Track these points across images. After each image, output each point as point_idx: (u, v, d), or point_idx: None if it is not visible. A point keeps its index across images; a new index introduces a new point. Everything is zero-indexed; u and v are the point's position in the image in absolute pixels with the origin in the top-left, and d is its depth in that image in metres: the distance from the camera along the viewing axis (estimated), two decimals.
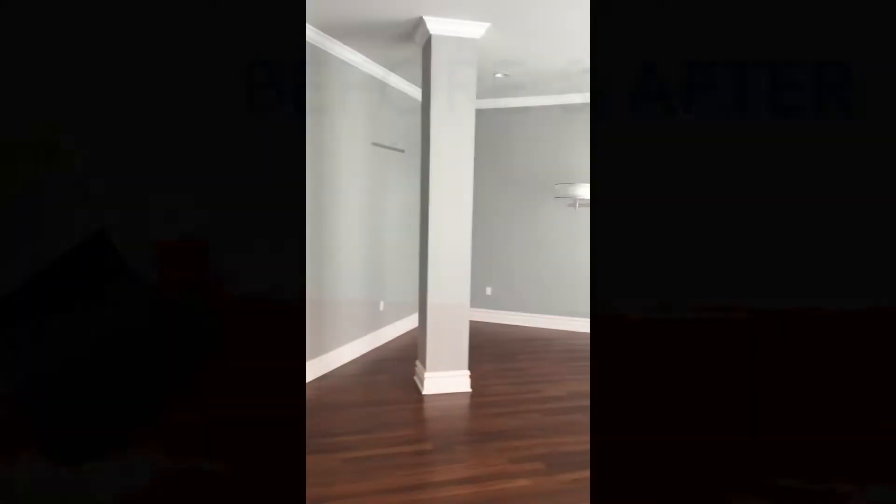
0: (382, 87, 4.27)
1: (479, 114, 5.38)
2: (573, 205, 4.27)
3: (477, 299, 5.49)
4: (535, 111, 5.15)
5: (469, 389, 3.39)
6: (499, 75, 4.35)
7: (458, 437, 2.69)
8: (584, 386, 3.53)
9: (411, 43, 3.49)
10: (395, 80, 4.43)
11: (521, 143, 5.24)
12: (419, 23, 3.09)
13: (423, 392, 3.31)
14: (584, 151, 4.99)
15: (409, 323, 5.05)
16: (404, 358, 4.09)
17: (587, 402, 3.22)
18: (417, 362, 3.55)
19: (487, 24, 3.09)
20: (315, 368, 3.57)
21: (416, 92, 4.84)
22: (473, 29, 3.11)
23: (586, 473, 2.34)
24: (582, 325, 5.09)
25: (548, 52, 3.65)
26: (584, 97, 4.91)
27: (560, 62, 3.90)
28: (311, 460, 2.40)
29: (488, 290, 5.47)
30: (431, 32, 3.08)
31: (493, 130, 5.35)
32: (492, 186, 5.38)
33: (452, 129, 3.20)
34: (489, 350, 4.37)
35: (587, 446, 2.61)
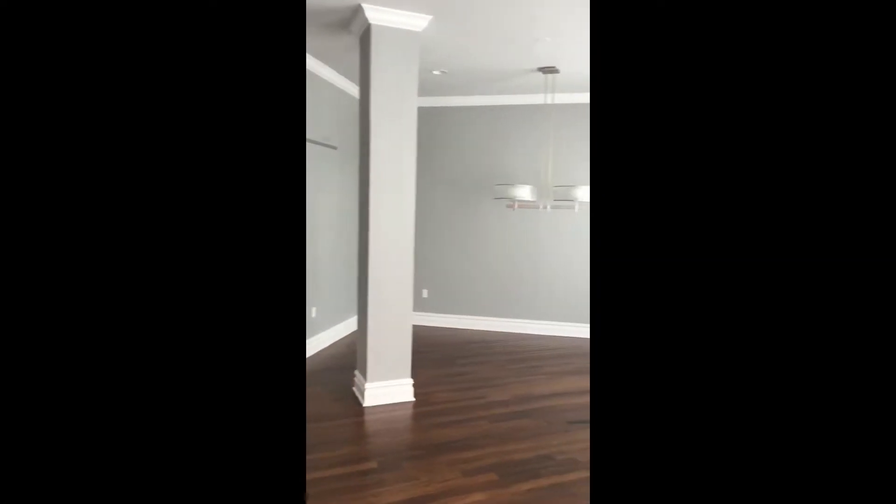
0: (313, 79, 4.01)
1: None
2: (512, 206, 4.24)
3: (413, 302, 5.34)
4: (474, 111, 5.09)
5: (412, 399, 3.24)
6: (436, 72, 4.24)
7: (405, 451, 2.54)
8: (528, 389, 3.50)
9: (347, 33, 3.28)
10: (327, 73, 4.18)
11: (458, 143, 5.16)
12: (357, 10, 2.90)
13: (364, 404, 3.11)
14: (523, 152, 5.00)
15: (345, 329, 4.81)
16: (341, 367, 3.86)
17: (532, 406, 3.18)
18: (357, 372, 3.35)
19: (430, 17, 2.95)
20: None
21: (348, 85, 4.61)
22: (415, 21, 2.96)
23: (541, 482, 2.28)
24: (521, 325, 5.10)
25: (490, 51, 3.58)
26: (524, 98, 4.92)
27: (501, 62, 3.85)
28: None
29: (424, 293, 5.34)
30: (370, 22, 2.90)
31: (428, 129, 5.23)
32: (426, 187, 5.26)
33: (393, 127, 3.03)
34: (429, 355, 4.24)
35: (537, 453, 2.56)
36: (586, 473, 2.36)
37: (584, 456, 2.53)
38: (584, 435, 2.78)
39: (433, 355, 4.24)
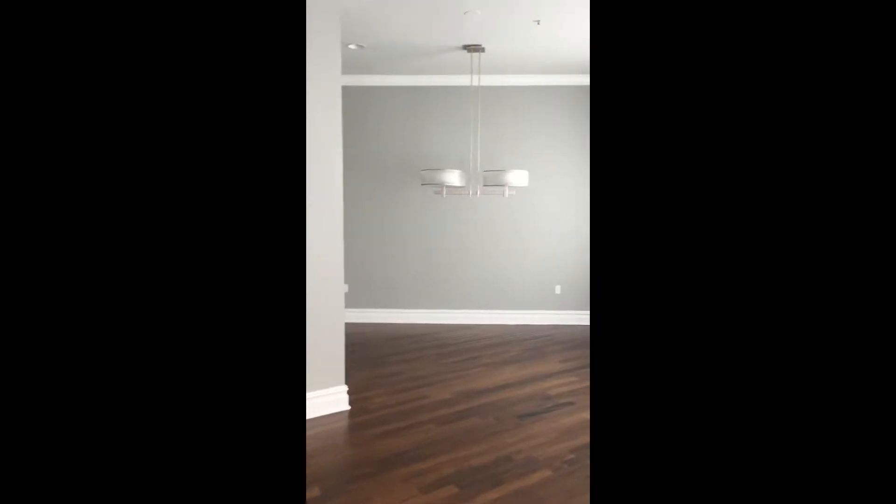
0: None
1: None
2: (440, 192, 4.03)
3: None
4: (394, 91, 4.78)
5: (348, 407, 2.93)
6: (353, 46, 3.88)
7: (350, 471, 2.25)
8: (469, 384, 3.33)
9: None
10: None
11: (377, 125, 4.83)
12: None
13: None
14: (448, 137, 4.79)
15: None
16: None
17: (477, 403, 3.03)
18: None
19: None
20: None
21: None
22: None
23: (505, 489, 2.12)
24: (449, 316, 4.94)
25: (415, 23, 3.30)
26: (448, 79, 4.69)
27: (425, 36, 3.59)
28: None
29: (345, 287, 4.98)
30: None
31: (344, 110, 4.83)
32: (344, 172, 4.88)
33: (317, 108, 2.67)
34: (357, 355, 3.93)
35: (494, 455, 2.40)
36: (549, 473, 2.24)
37: (542, 453, 2.42)
38: (537, 429, 2.67)
39: (362, 355, 3.94)
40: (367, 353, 4.00)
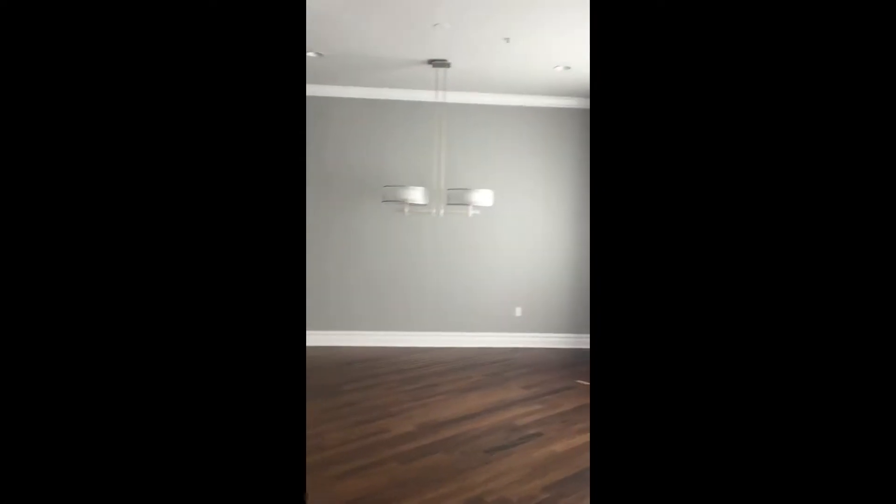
0: None
1: None
2: (402, 210, 3.87)
3: None
4: (355, 104, 4.58)
5: None
6: (311, 54, 3.67)
7: None
8: (431, 414, 3.14)
9: None
10: None
11: (338, 138, 4.61)
12: None
13: None
14: (409, 153, 4.63)
15: None
16: None
17: (441, 436, 2.84)
18: None
19: None
20: None
21: None
22: None
23: None
24: (408, 338, 4.73)
25: (381, 33, 3.15)
26: (412, 94, 4.55)
27: (391, 48, 3.44)
28: None
29: None
30: None
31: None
32: None
33: None
34: (309, 382, 3.65)
35: (463, 497, 2.22)
36: None
37: (514, 492, 2.26)
38: (507, 466, 2.51)
39: (314, 383, 3.66)
40: (320, 380, 3.73)
